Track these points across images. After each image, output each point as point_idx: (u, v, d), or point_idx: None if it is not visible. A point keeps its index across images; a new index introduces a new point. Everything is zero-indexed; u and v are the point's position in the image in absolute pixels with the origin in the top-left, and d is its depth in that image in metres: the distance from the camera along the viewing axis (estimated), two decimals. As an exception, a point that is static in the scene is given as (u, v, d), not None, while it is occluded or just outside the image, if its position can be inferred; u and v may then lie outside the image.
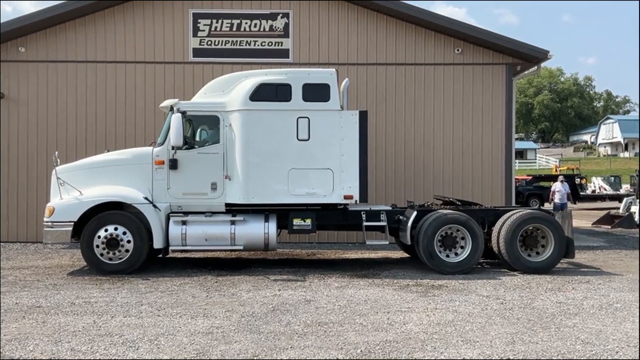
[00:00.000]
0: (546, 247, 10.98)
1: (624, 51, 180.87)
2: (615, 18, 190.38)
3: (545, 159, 71.07)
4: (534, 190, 32.89)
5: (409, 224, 11.01)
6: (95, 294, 8.84)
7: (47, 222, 10.59)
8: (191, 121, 11.01)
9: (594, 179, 40.33)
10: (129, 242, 10.51)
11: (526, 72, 16.35)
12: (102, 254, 10.51)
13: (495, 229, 11.08)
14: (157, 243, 10.62)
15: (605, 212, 23.53)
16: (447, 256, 10.85)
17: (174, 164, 10.78)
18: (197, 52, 15.31)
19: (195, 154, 10.94)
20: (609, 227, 20.30)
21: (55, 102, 15.25)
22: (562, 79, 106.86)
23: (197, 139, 11.25)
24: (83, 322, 7.22)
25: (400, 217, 11.47)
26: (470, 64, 15.46)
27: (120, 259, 10.53)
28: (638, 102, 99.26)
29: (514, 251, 10.76)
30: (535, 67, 15.77)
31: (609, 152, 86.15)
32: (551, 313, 7.75)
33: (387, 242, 11.57)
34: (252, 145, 10.82)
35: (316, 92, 10.88)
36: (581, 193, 32.40)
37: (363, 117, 11.06)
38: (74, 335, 6.66)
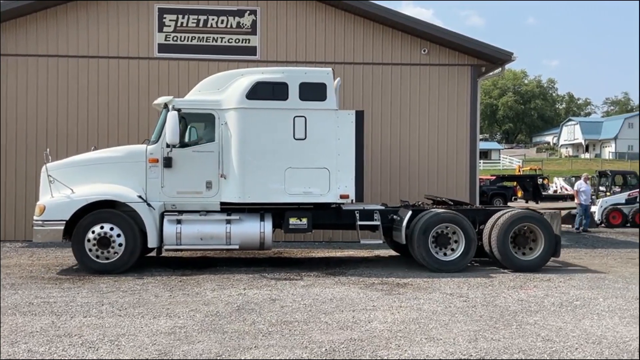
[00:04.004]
0: (536, 246, 11.16)
1: (586, 55, 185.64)
2: (578, 21, 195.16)
3: (509, 160, 72.40)
4: (498, 190, 33.46)
5: (404, 223, 11.05)
6: (54, 294, 8.62)
7: (37, 220, 10.30)
8: (184, 119, 10.76)
9: (555, 179, 41.25)
10: (120, 243, 10.31)
11: (491, 73, 16.61)
12: (91, 251, 10.30)
13: (487, 228, 11.21)
14: (152, 242, 10.45)
15: (566, 211, 24.04)
16: (437, 254, 10.93)
17: (168, 162, 10.61)
18: (163, 48, 15.10)
19: (190, 152, 10.79)
20: (570, 226, 20.74)
21: (15, 97, 14.84)
22: (526, 81, 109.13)
23: (192, 137, 11.10)
24: (41, 322, 7.03)
25: (394, 216, 11.51)
26: (436, 65, 15.61)
27: (110, 258, 10.32)
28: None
29: (506, 250, 10.90)
30: (500, 68, 16.03)
31: (571, 153, 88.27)
32: (513, 310, 7.86)
33: (381, 242, 11.62)
34: (248, 143, 10.72)
35: (313, 91, 10.85)
36: (543, 193, 33.06)
37: (359, 116, 11.10)
38: (31, 336, 6.47)
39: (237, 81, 10.93)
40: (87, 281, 9.65)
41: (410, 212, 11.13)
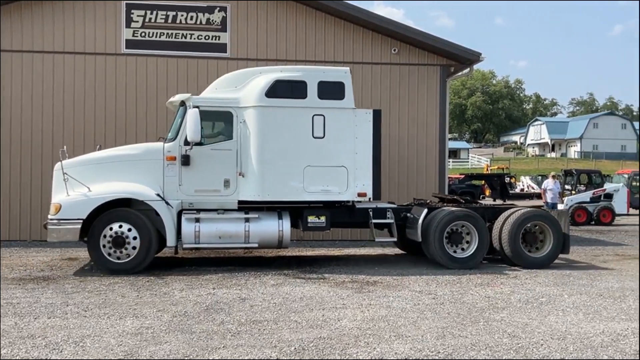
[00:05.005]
0: (544, 243, 11.42)
1: (553, 56, 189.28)
2: (545, 23, 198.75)
3: (477, 159, 73.44)
4: (466, 188, 33.90)
5: (420, 221, 11.12)
6: (17, 295, 8.41)
7: (52, 219, 10.03)
8: (201, 117, 10.55)
9: (522, 178, 42.00)
10: (134, 238, 10.16)
11: (459, 73, 16.75)
12: (109, 253, 10.14)
13: (496, 225, 11.40)
14: (170, 241, 10.34)
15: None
16: (455, 252, 11.10)
17: (186, 160, 10.49)
18: (130, 44, 14.85)
19: (208, 150, 10.67)
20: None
21: (-23, 93, 14.46)
22: (494, 82, 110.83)
23: (209, 135, 10.96)
24: (4, 324, 6.84)
25: (407, 214, 11.61)
26: (406, 64, 15.71)
27: (126, 257, 10.16)
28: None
29: (517, 247, 11.13)
30: (468, 69, 16.19)
31: (537, 153, 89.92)
32: (480, 307, 7.96)
33: (395, 239, 11.69)
34: (267, 142, 10.67)
35: (331, 90, 10.88)
36: (510, 191, 33.59)
37: (377, 115, 11.14)
38: (-8, 338, 6.31)
39: (255, 79, 10.89)
40: (51, 282, 9.45)
41: (425, 210, 11.26)
